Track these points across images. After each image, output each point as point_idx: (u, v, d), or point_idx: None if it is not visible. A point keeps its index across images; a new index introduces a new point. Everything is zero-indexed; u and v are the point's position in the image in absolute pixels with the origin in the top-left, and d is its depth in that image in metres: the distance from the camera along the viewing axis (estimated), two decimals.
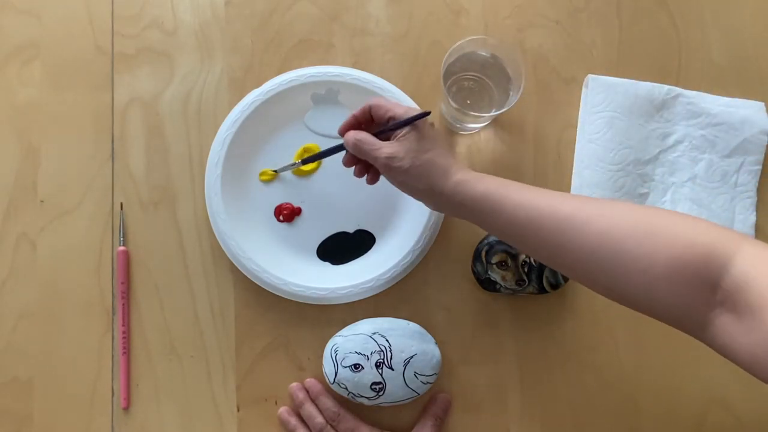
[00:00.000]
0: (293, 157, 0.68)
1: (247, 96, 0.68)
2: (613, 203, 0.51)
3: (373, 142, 0.56)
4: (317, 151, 0.65)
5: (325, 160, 0.68)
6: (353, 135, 0.57)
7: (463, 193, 0.54)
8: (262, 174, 0.68)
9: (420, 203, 0.66)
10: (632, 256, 0.45)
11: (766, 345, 0.40)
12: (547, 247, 0.51)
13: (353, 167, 0.61)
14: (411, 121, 0.55)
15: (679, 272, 0.44)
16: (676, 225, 0.46)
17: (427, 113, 0.55)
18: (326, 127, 0.69)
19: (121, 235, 0.67)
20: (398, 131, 0.56)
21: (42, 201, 0.68)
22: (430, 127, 0.56)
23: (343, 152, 0.60)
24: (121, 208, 0.68)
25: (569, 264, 0.50)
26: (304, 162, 0.65)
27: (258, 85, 0.68)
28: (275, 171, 0.67)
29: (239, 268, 0.65)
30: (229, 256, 0.66)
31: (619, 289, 0.47)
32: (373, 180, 0.61)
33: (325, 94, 0.68)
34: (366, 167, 0.60)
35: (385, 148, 0.55)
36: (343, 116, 0.67)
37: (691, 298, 0.44)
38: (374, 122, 0.59)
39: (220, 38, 0.71)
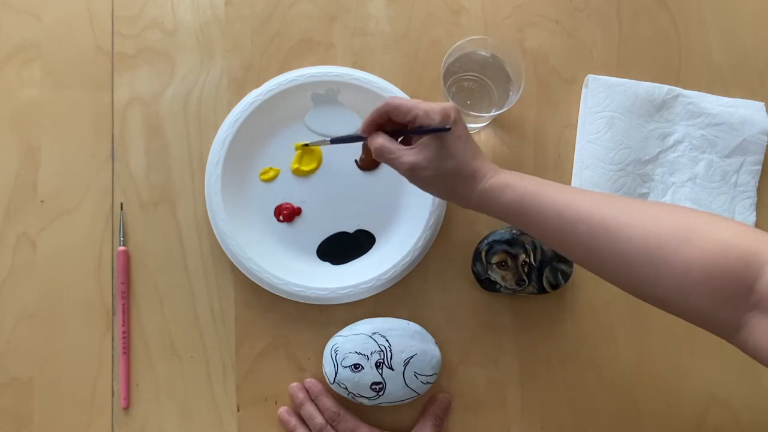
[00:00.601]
0: (293, 158, 0.68)
1: (247, 96, 0.68)
2: (647, 205, 0.50)
3: (393, 150, 0.55)
4: (320, 145, 0.66)
5: (326, 160, 0.68)
6: (378, 140, 0.56)
7: (489, 204, 0.54)
8: (263, 173, 0.68)
9: (420, 203, 0.66)
10: (668, 261, 0.46)
11: None
12: (582, 254, 0.51)
13: (359, 144, 0.62)
14: (430, 132, 0.53)
15: (715, 277, 0.44)
16: (713, 229, 0.46)
17: (447, 129, 0.52)
18: (326, 127, 0.69)
19: (121, 235, 0.67)
20: (420, 140, 0.55)
21: (42, 201, 0.68)
22: (455, 128, 0.53)
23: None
24: (121, 208, 0.68)
25: (604, 269, 0.50)
26: (333, 141, 0.62)
27: (258, 85, 0.68)
28: (306, 145, 0.67)
29: (239, 268, 0.65)
30: (229, 256, 0.66)
31: (654, 293, 0.47)
32: (375, 163, 0.61)
33: (325, 94, 0.68)
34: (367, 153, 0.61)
35: (406, 157, 0.54)
36: (343, 116, 0.68)
37: (725, 301, 0.44)
38: (392, 121, 0.57)
39: (220, 38, 0.71)
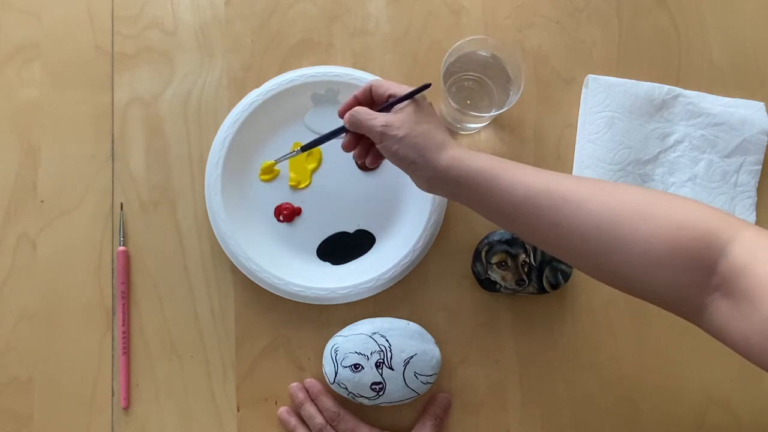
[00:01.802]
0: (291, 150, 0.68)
1: (247, 96, 0.68)
2: (612, 185, 0.50)
3: (369, 112, 0.56)
4: (287, 158, 0.65)
5: (326, 160, 0.68)
6: (354, 110, 0.57)
7: (457, 168, 0.53)
8: (262, 171, 0.68)
9: (420, 203, 0.66)
10: (629, 238, 0.45)
11: (760, 330, 0.39)
12: (542, 228, 0.50)
13: (353, 153, 0.61)
14: (411, 96, 0.56)
15: (676, 255, 0.44)
16: (674, 207, 0.46)
17: (428, 85, 0.55)
18: (326, 127, 0.68)
19: (121, 235, 0.67)
20: (397, 106, 0.56)
21: (42, 201, 0.68)
22: (428, 104, 0.57)
23: (341, 140, 0.60)
24: (121, 208, 0.68)
25: (565, 245, 0.49)
26: (304, 149, 0.63)
27: (258, 85, 0.68)
28: (275, 161, 0.66)
29: (239, 268, 0.65)
30: (229, 256, 0.66)
31: (614, 272, 0.47)
32: (374, 161, 0.60)
33: (325, 94, 0.68)
34: (366, 149, 0.60)
35: (380, 117, 0.55)
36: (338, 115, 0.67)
37: (687, 281, 0.44)
38: (375, 103, 0.59)
39: (220, 38, 0.71)
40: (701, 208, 0.45)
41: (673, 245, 0.44)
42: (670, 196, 0.47)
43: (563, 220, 0.48)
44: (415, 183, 0.57)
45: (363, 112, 0.56)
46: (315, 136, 0.68)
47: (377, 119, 0.55)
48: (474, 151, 0.55)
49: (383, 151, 0.56)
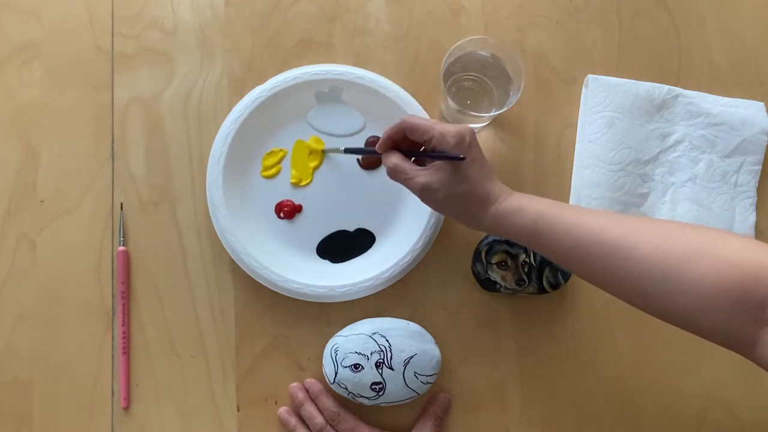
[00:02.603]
0: (292, 152, 0.69)
1: (250, 93, 0.68)
2: (658, 223, 0.51)
3: (407, 170, 0.56)
4: (333, 153, 0.68)
5: (328, 159, 0.69)
6: (389, 160, 0.57)
7: (501, 226, 0.54)
8: (265, 161, 0.68)
9: (421, 203, 0.66)
10: (681, 280, 0.46)
11: None
12: (595, 274, 0.51)
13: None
14: (445, 158, 0.54)
15: (729, 293, 0.44)
16: (725, 245, 0.46)
17: (462, 158, 0.53)
18: (329, 125, 0.69)
19: (121, 235, 0.67)
20: (434, 162, 0.55)
21: (42, 201, 0.68)
22: (469, 151, 0.54)
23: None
24: (121, 208, 0.68)
25: (618, 288, 0.50)
26: (347, 152, 0.64)
27: (258, 85, 0.68)
28: (323, 151, 0.68)
29: (239, 264, 0.65)
30: (229, 252, 0.66)
31: (668, 311, 0.48)
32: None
33: (329, 93, 0.68)
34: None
35: (419, 178, 0.55)
36: (346, 115, 0.68)
37: (740, 317, 0.44)
38: (408, 139, 0.58)
39: (220, 38, 0.71)
40: (752, 245, 0.46)
41: (725, 283, 0.44)
42: (719, 234, 0.48)
43: (614, 267, 0.49)
44: None
45: (401, 169, 0.56)
46: (318, 134, 0.69)
47: (417, 179, 0.55)
48: (518, 198, 0.54)
49: (426, 204, 0.57)
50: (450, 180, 0.54)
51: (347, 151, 0.64)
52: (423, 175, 0.55)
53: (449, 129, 0.54)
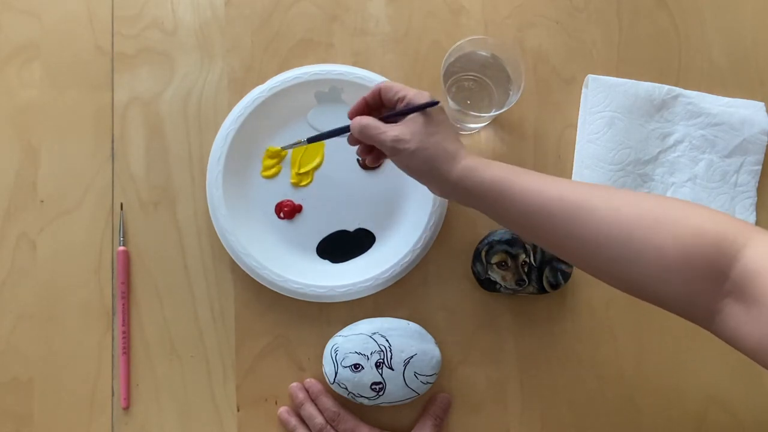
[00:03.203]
0: (291, 152, 0.68)
1: (250, 92, 0.68)
2: (623, 192, 0.50)
3: (378, 125, 0.55)
4: (294, 147, 0.64)
5: (328, 158, 0.68)
6: (358, 120, 0.56)
7: (470, 179, 0.53)
8: (266, 156, 0.68)
9: (421, 203, 0.66)
10: (642, 245, 0.45)
11: None
12: (555, 236, 0.50)
13: (357, 146, 0.60)
14: (419, 109, 0.55)
15: (689, 261, 0.44)
16: (687, 214, 0.46)
17: (436, 103, 0.54)
18: (330, 125, 0.68)
19: (121, 235, 0.67)
20: (408, 117, 0.55)
21: (42, 201, 0.68)
22: (439, 111, 0.55)
23: (348, 134, 0.60)
24: (121, 208, 0.68)
25: (578, 253, 0.50)
26: (310, 141, 0.62)
27: (258, 85, 0.68)
28: (282, 148, 0.65)
29: (239, 264, 0.65)
30: (229, 252, 0.66)
31: (627, 279, 0.47)
32: (373, 162, 0.60)
33: (329, 93, 0.68)
34: (369, 147, 0.60)
35: (390, 131, 0.54)
36: (347, 114, 0.68)
37: (700, 287, 0.44)
38: (384, 106, 0.59)
39: (220, 38, 0.71)
40: (714, 215, 0.46)
41: (687, 252, 0.44)
42: (681, 203, 0.48)
43: (576, 230, 0.48)
44: (430, 190, 0.57)
45: (372, 125, 0.55)
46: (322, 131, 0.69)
47: (387, 133, 0.54)
48: (487, 159, 0.54)
49: (395, 163, 0.56)
50: (422, 131, 0.54)
51: (311, 140, 0.62)
52: (394, 128, 0.55)
53: (420, 91, 0.56)
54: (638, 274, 0.46)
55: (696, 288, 0.44)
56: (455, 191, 0.54)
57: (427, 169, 0.54)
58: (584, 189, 0.50)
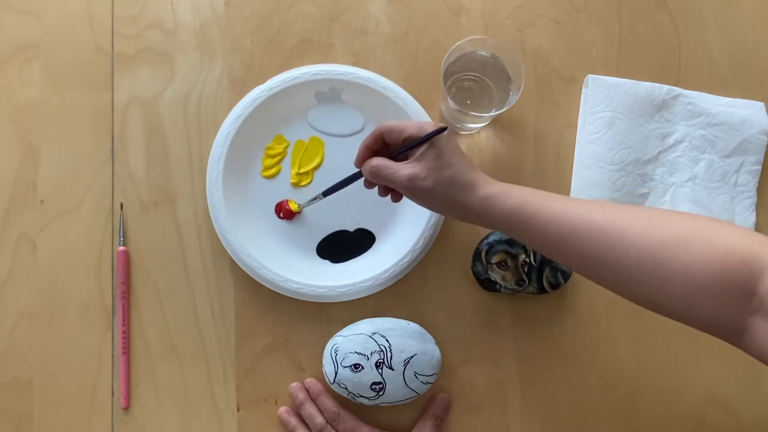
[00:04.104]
0: (291, 152, 0.69)
1: (250, 92, 0.68)
2: (647, 212, 0.50)
3: (390, 166, 0.54)
4: (313, 203, 0.65)
5: (328, 158, 0.69)
6: (369, 163, 0.55)
7: (491, 210, 0.53)
8: (265, 161, 0.68)
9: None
10: (670, 267, 0.45)
11: None
12: (583, 261, 0.50)
13: (376, 188, 0.60)
14: (428, 138, 0.53)
15: (719, 282, 0.44)
16: (711, 233, 0.46)
17: (444, 129, 0.53)
18: (330, 125, 0.69)
19: (121, 235, 0.67)
20: (415, 150, 0.54)
21: (42, 201, 0.68)
22: (447, 140, 0.54)
23: (362, 178, 0.59)
24: (121, 208, 0.68)
25: (606, 276, 0.50)
26: (326, 194, 0.62)
27: (258, 85, 0.68)
28: (300, 207, 0.66)
29: (239, 264, 0.65)
30: (228, 252, 0.66)
31: (655, 300, 0.47)
32: (397, 198, 0.60)
33: (329, 93, 0.68)
34: (388, 187, 0.59)
35: (404, 170, 0.54)
36: (347, 115, 0.68)
37: (729, 305, 0.44)
38: (388, 146, 0.58)
39: (220, 38, 0.71)
40: (740, 232, 0.46)
41: (716, 273, 0.44)
42: (708, 222, 0.47)
43: (603, 254, 0.48)
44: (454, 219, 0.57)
45: (383, 166, 0.55)
46: (318, 134, 0.69)
47: (401, 172, 0.54)
48: (504, 184, 0.54)
49: (414, 201, 0.56)
50: (435, 166, 0.53)
51: (326, 193, 0.62)
52: (407, 167, 0.54)
53: (425, 123, 0.55)
54: (666, 296, 0.46)
55: (724, 307, 0.44)
56: (478, 220, 0.54)
57: (446, 203, 0.54)
58: (610, 211, 0.50)
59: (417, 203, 0.56)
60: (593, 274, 0.51)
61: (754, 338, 0.43)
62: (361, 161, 0.58)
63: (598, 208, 0.51)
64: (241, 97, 0.68)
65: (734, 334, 0.45)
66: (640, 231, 0.47)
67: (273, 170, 0.68)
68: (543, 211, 0.51)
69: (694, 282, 0.45)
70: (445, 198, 0.54)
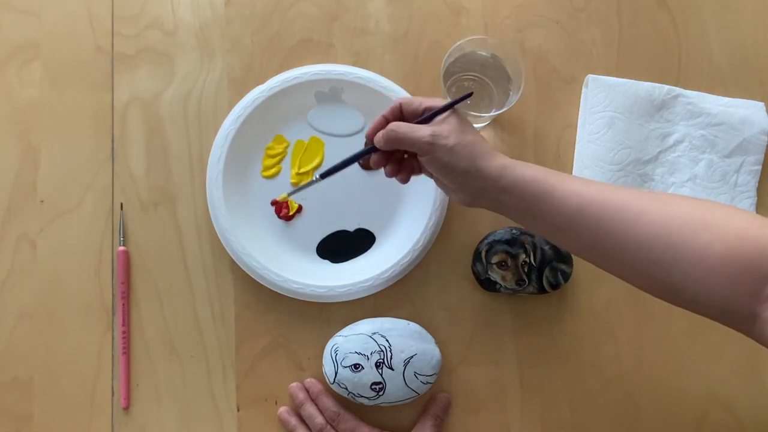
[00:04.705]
0: (291, 152, 0.68)
1: (250, 92, 0.68)
2: (667, 195, 0.50)
3: (410, 126, 0.54)
4: (307, 187, 0.59)
5: (329, 157, 0.68)
6: (391, 126, 0.54)
7: (510, 177, 0.52)
8: (265, 161, 0.68)
9: (421, 203, 0.66)
10: (687, 247, 0.45)
11: None
12: (597, 239, 0.49)
13: (383, 168, 0.57)
14: (453, 105, 0.53)
15: (732, 263, 0.44)
16: (730, 217, 0.46)
17: (470, 94, 0.54)
18: (330, 125, 0.69)
19: (121, 235, 0.67)
20: (436, 118, 0.54)
21: (42, 201, 0.68)
22: (465, 115, 0.55)
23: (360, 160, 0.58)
24: (121, 208, 0.68)
25: (621, 256, 0.49)
26: (323, 176, 0.57)
27: (258, 85, 0.68)
28: (293, 192, 0.59)
29: (239, 264, 0.65)
30: (229, 252, 0.66)
31: (668, 281, 0.47)
32: (405, 178, 0.58)
33: (329, 93, 0.69)
34: (398, 166, 0.57)
35: (425, 128, 0.53)
36: (347, 115, 0.68)
37: (741, 290, 0.44)
38: (407, 120, 0.56)
39: (220, 38, 0.71)
40: (757, 219, 0.46)
41: (731, 254, 0.44)
42: (726, 207, 0.47)
43: (620, 230, 0.48)
44: (457, 198, 0.55)
45: (403, 126, 0.54)
46: (318, 134, 0.68)
47: (422, 130, 0.53)
48: (521, 161, 0.54)
49: (431, 163, 0.53)
50: (457, 129, 0.53)
51: (324, 175, 0.57)
52: (429, 126, 0.53)
53: (439, 99, 0.55)
54: (681, 276, 0.46)
55: (737, 291, 0.44)
56: (493, 189, 0.52)
57: (466, 165, 0.52)
58: (627, 191, 0.50)
59: (433, 167, 0.53)
60: (603, 254, 0.50)
61: (765, 326, 0.43)
62: (374, 130, 0.56)
63: (617, 189, 0.50)
64: (241, 97, 0.68)
65: (745, 321, 0.45)
66: (660, 210, 0.47)
67: (273, 170, 0.68)
68: (561, 185, 0.51)
69: (708, 263, 0.44)
70: (464, 160, 0.52)
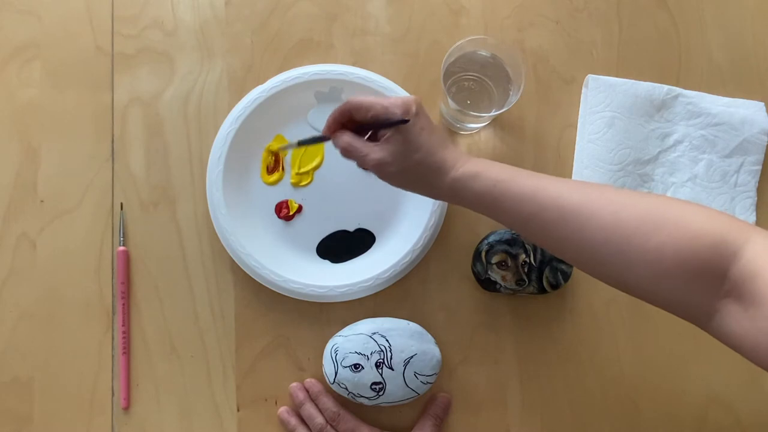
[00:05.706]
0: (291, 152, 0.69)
1: (250, 93, 0.68)
2: (618, 193, 0.49)
3: (360, 149, 0.54)
4: (288, 148, 0.66)
5: (328, 158, 0.69)
6: (344, 139, 0.54)
7: (460, 193, 0.53)
8: (265, 162, 0.68)
9: (421, 203, 0.66)
10: (641, 249, 0.45)
11: None
12: (552, 240, 0.50)
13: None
14: (390, 126, 0.52)
15: (688, 263, 0.44)
16: (686, 216, 0.45)
17: (405, 121, 0.51)
18: None
19: (121, 235, 0.67)
20: (385, 133, 0.54)
21: (42, 201, 0.68)
22: (416, 119, 0.52)
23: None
24: (121, 208, 0.68)
25: (575, 256, 0.50)
26: (301, 144, 0.59)
27: (258, 85, 0.68)
28: (280, 148, 0.66)
29: (239, 264, 0.65)
30: (229, 252, 0.66)
31: (625, 281, 0.47)
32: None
33: (329, 93, 0.69)
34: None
35: (372, 155, 0.53)
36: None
37: (699, 288, 0.44)
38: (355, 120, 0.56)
39: (220, 38, 0.71)
40: (714, 216, 0.45)
41: (684, 256, 0.44)
42: (681, 205, 0.47)
43: (573, 235, 0.48)
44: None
45: (354, 148, 0.54)
46: (317, 134, 0.68)
47: (369, 156, 0.53)
48: (476, 162, 0.53)
49: (385, 181, 0.55)
50: (402, 151, 0.52)
51: (301, 143, 0.59)
52: (375, 150, 0.53)
53: (394, 101, 0.53)
54: (636, 277, 0.46)
55: (693, 290, 0.44)
56: (450, 200, 0.55)
57: (416, 187, 0.55)
58: (581, 192, 0.50)
59: (388, 183, 0.55)
60: (564, 254, 0.51)
61: (723, 322, 0.43)
62: (331, 129, 0.56)
63: (569, 187, 0.50)
64: (241, 97, 0.68)
65: (703, 317, 0.45)
66: (611, 212, 0.47)
67: (275, 176, 0.68)
68: (513, 191, 0.51)
69: (663, 264, 0.44)
70: (413, 181, 0.54)
